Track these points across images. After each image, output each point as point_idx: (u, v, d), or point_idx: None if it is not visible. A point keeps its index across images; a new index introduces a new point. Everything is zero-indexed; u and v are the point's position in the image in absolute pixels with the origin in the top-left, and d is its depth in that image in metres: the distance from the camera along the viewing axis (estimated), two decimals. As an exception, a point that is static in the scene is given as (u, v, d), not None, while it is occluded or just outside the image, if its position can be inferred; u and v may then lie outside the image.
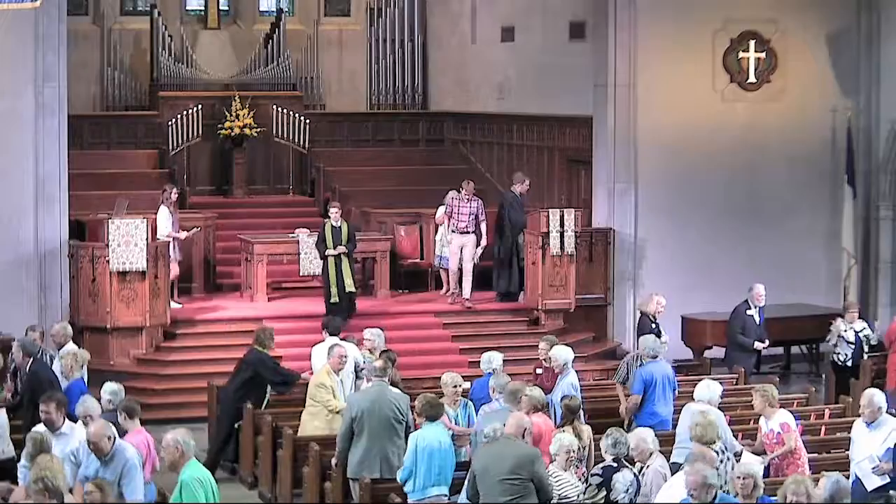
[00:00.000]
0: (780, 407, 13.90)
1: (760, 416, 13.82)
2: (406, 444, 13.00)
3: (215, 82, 27.30)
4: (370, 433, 13.14)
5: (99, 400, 12.90)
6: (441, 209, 22.30)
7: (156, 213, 21.00)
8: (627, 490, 11.59)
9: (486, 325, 21.25)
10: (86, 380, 15.30)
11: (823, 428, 15.37)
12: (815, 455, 14.01)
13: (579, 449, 12.39)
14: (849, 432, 14.62)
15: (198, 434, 17.76)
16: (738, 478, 10.78)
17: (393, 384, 14.08)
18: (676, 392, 15.47)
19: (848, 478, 11.92)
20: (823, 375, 20.08)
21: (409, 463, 12.63)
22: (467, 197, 21.45)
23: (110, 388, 13.23)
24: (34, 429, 12.02)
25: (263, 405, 16.26)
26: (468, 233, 21.40)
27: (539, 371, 15.92)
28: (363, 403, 13.26)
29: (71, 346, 15.80)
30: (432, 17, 28.70)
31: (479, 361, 17.72)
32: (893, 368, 17.80)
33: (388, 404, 13.11)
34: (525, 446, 11.66)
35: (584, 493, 11.75)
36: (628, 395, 15.51)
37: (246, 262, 21.91)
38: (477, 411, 14.00)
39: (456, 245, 21.47)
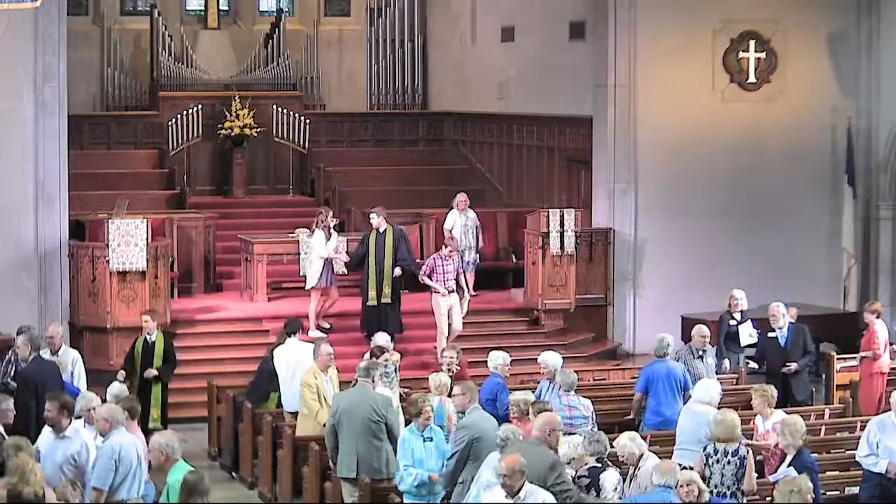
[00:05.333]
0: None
1: (757, 415, 13.84)
2: (389, 444, 13.06)
3: (215, 82, 27.32)
4: (348, 433, 13.14)
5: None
6: (450, 216, 22.16)
7: (309, 236, 20.60)
8: (616, 489, 11.49)
9: (487, 325, 21.23)
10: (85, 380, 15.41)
11: (823, 428, 15.36)
12: (816, 455, 13.97)
13: None
14: (849, 432, 14.67)
15: (198, 434, 17.88)
16: (682, 485, 10.72)
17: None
18: (689, 392, 15.46)
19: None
20: (823, 376, 20.03)
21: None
22: (449, 255, 19.85)
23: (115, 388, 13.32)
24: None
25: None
26: (454, 291, 19.87)
27: None
28: (342, 403, 13.30)
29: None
30: (432, 17, 28.72)
31: (479, 361, 17.76)
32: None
33: (367, 405, 13.10)
34: (546, 452, 11.12)
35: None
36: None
37: (246, 262, 21.90)
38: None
39: (444, 307, 19.79)
